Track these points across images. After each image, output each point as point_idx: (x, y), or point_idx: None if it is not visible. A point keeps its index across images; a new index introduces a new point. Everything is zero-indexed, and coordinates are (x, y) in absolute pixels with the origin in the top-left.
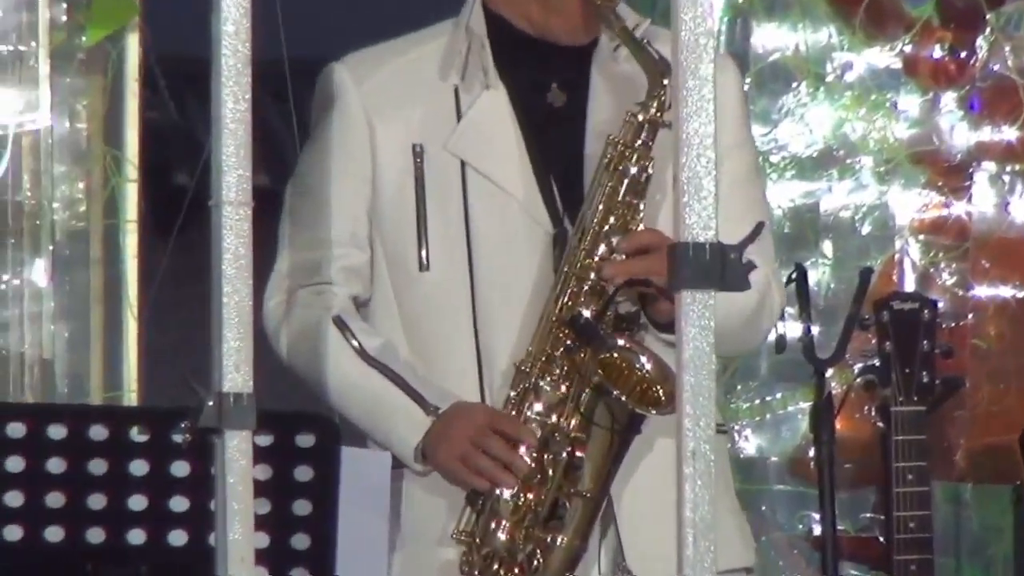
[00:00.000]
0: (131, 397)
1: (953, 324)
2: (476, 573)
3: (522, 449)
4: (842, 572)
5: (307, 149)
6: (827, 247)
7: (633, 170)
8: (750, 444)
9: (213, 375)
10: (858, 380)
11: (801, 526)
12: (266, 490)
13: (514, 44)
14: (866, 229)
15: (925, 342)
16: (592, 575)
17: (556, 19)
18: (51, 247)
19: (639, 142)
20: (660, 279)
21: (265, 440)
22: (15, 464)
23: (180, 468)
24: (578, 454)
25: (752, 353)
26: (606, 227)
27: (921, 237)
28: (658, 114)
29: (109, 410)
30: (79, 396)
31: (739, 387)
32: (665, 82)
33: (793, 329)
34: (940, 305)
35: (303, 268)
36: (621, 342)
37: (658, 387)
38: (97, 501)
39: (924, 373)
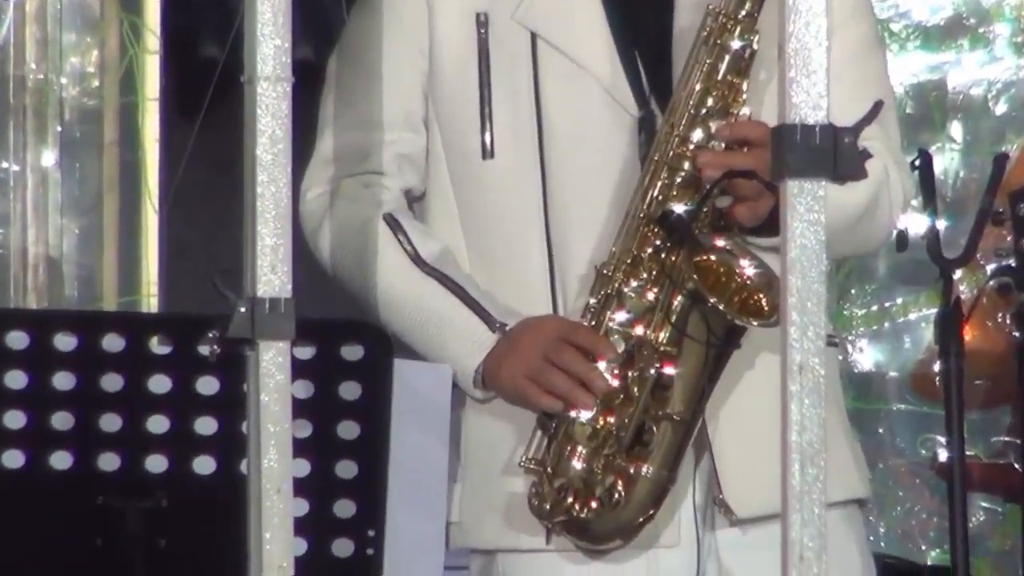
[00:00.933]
0: (150, 302)
1: None
2: (547, 507)
3: (602, 364)
4: (972, 503)
5: (355, 12)
6: (956, 130)
7: (736, 44)
8: (866, 357)
9: (245, 277)
10: (991, 283)
11: (924, 451)
12: (307, 410)
13: None
14: (1001, 109)
15: None
16: (683, 510)
17: None
18: (59, 128)
19: (743, 12)
20: (762, 160)
21: (306, 352)
22: (16, 380)
23: (207, 385)
24: (667, 371)
25: (869, 254)
26: (704, 110)
27: None
28: None
29: (125, 317)
30: (90, 301)
31: (853, 291)
32: None
33: (916, 224)
34: None
35: (349, 154)
36: (719, 242)
37: (761, 295)
38: (111, 422)
39: None
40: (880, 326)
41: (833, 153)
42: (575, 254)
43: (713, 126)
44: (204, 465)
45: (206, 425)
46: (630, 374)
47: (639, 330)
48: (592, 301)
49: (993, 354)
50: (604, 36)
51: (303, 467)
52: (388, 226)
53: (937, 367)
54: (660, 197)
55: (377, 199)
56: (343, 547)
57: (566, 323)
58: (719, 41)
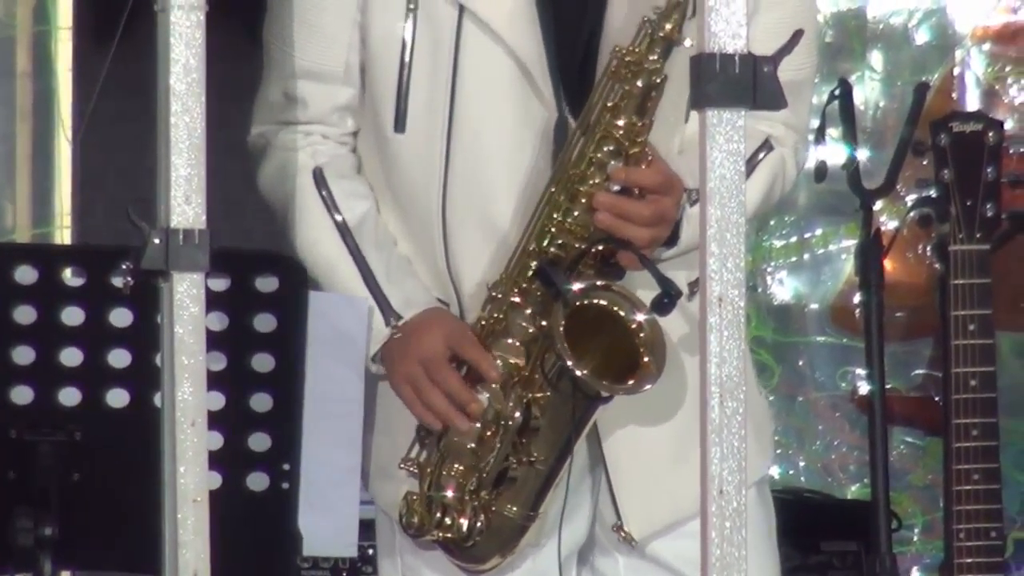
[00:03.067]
0: (63, 234)
1: (1022, 149)
2: (416, 521)
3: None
4: (892, 437)
5: None
6: (876, 59)
7: (640, 85)
8: (785, 289)
9: (159, 208)
10: (911, 214)
11: (844, 384)
12: (221, 342)
13: None
14: (922, 38)
15: (990, 169)
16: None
17: None
18: None
19: (652, 57)
20: (644, 237)
21: (220, 284)
22: None
23: (120, 316)
24: (535, 415)
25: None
26: (604, 149)
27: (985, 47)
28: (675, 29)
29: (37, 249)
30: (3, 233)
31: (772, 222)
32: None
33: (836, 154)
34: (1007, 126)
35: (289, 99)
36: (580, 286)
37: (642, 349)
38: (23, 355)
39: (988, 205)
40: (799, 258)
41: (752, 82)
42: (471, 244)
43: (610, 167)
44: (118, 398)
45: (120, 357)
46: (502, 406)
47: (519, 362)
48: (483, 316)
49: (913, 286)
50: (532, 20)
51: (217, 400)
52: (315, 182)
53: (857, 299)
54: (553, 231)
55: (312, 149)
56: (258, 480)
57: (456, 333)
58: (624, 84)
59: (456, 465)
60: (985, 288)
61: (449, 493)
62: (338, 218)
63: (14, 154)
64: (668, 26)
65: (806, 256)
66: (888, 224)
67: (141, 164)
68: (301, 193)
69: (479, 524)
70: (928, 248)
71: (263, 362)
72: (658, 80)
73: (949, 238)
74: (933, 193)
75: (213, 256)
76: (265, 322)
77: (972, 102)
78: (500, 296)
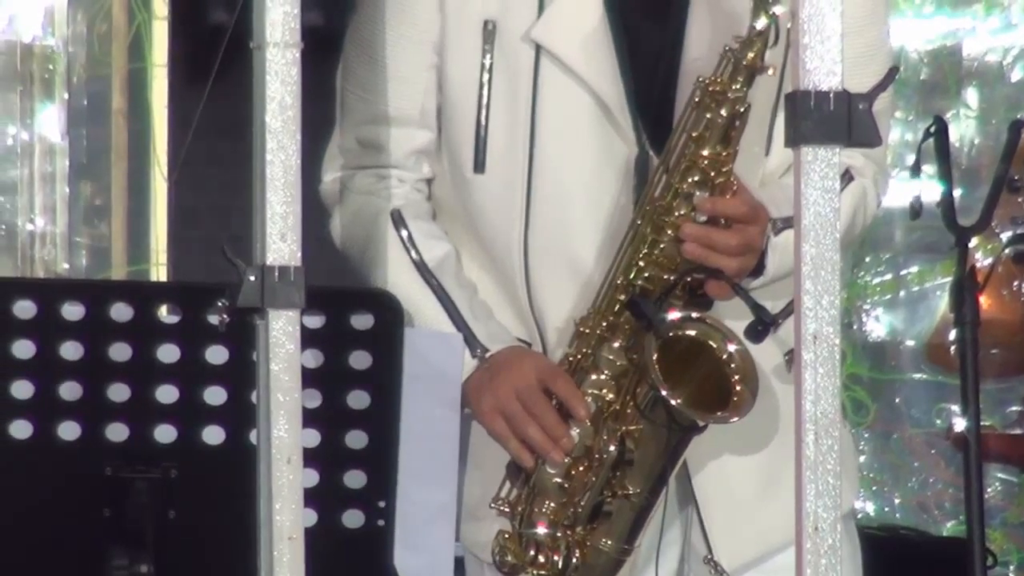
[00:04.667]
0: (159, 271)
1: None
2: (511, 560)
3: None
4: (987, 474)
5: (372, 3)
6: (971, 97)
7: (724, 115)
8: (881, 325)
9: (255, 245)
10: (1007, 251)
11: (940, 421)
12: (317, 379)
13: None
14: (1016, 75)
15: None
16: (668, 572)
17: None
18: (66, 95)
19: (735, 86)
20: (732, 266)
21: (315, 321)
22: (24, 349)
23: (216, 354)
24: (629, 447)
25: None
26: (689, 180)
27: None
28: (758, 58)
29: (133, 286)
30: (99, 270)
31: (868, 259)
32: (772, 12)
33: (931, 192)
34: None
35: (365, 145)
36: (677, 317)
37: (735, 378)
38: (119, 392)
39: None
40: (895, 295)
41: (847, 120)
42: (554, 284)
43: (696, 197)
44: (213, 435)
45: (215, 395)
46: (595, 440)
47: (610, 396)
48: (570, 352)
49: (1008, 323)
50: (610, 56)
51: (313, 437)
52: (393, 223)
53: (952, 336)
54: (641, 264)
55: (389, 192)
56: (353, 518)
57: (547, 367)
58: (708, 114)
59: (548, 502)
60: None
61: (542, 530)
62: (417, 257)
63: (110, 192)
64: (751, 54)
65: (902, 293)
66: (983, 261)
67: (236, 202)
68: (379, 234)
69: (574, 560)
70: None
71: (358, 399)
72: (742, 109)
73: None
74: None
75: (308, 293)
76: (360, 359)
77: None
78: (588, 331)
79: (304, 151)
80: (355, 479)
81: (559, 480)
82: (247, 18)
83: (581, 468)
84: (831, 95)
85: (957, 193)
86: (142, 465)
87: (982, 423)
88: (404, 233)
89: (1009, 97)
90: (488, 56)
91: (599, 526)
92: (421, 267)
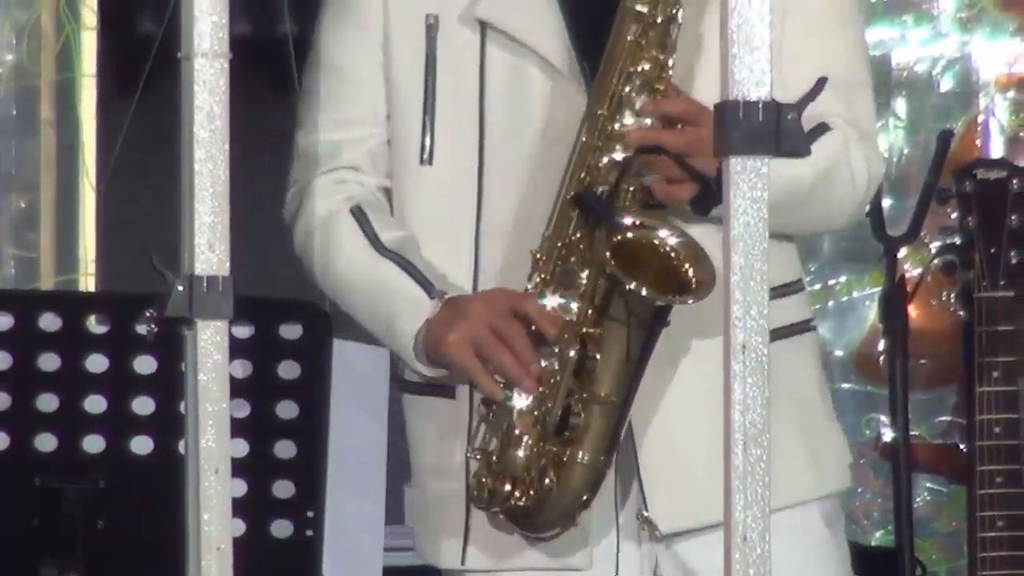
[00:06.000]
0: (88, 281)
1: None
2: (487, 496)
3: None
4: (916, 484)
5: (322, 10)
6: (900, 106)
7: (659, 18)
8: None
9: (183, 255)
10: (936, 261)
11: (868, 431)
12: (245, 390)
13: None
14: (946, 85)
15: (1014, 217)
16: (599, 528)
17: None
18: None
19: None
20: (679, 142)
21: (244, 331)
22: None
23: (144, 364)
24: (591, 353)
25: (833, 229)
26: (629, 87)
27: (1009, 94)
28: None
29: (62, 296)
30: (27, 280)
31: None
32: None
33: None
34: None
35: (323, 153)
36: (635, 219)
37: (687, 266)
38: (47, 402)
39: (1013, 253)
40: (823, 304)
41: (776, 130)
42: (505, 271)
43: (638, 103)
44: (142, 445)
45: (143, 405)
46: (553, 357)
47: (574, 306)
48: (529, 287)
49: (937, 333)
50: (556, 17)
51: (241, 447)
52: (353, 217)
53: (881, 346)
54: (587, 179)
55: (348, 194)
56: (282, 528)
57: (514, 294)
58: (641, 19)
59: (522, 435)
60: (1009, 335)
61: (519, 453)
62: (374, 237)
63: (38, 202)
64: None
65: (830, 303)
66: (912, 271)
67: (165, 212)
68: (340, 228)
69: (548, 481)
70: (952, 295)
71: (287, 409)
72: (675, 11)
73: (973, 285)
74: (957, 240)
75: (237, 303)
76: (289, 369)
77: (996, 149)
78: (544, 257)
79: (234, 161)
80: (284, 489)
81: (529, 413)
82: (175, 28)
83: (551, 381)
84: (760, 105)
85: (886, 203)
86: (71, 476)
87: (911, 433)
88: (364, 225)
89: (938, 107)
90: (432, 49)
91: (574, 440)
92: (378, 245)
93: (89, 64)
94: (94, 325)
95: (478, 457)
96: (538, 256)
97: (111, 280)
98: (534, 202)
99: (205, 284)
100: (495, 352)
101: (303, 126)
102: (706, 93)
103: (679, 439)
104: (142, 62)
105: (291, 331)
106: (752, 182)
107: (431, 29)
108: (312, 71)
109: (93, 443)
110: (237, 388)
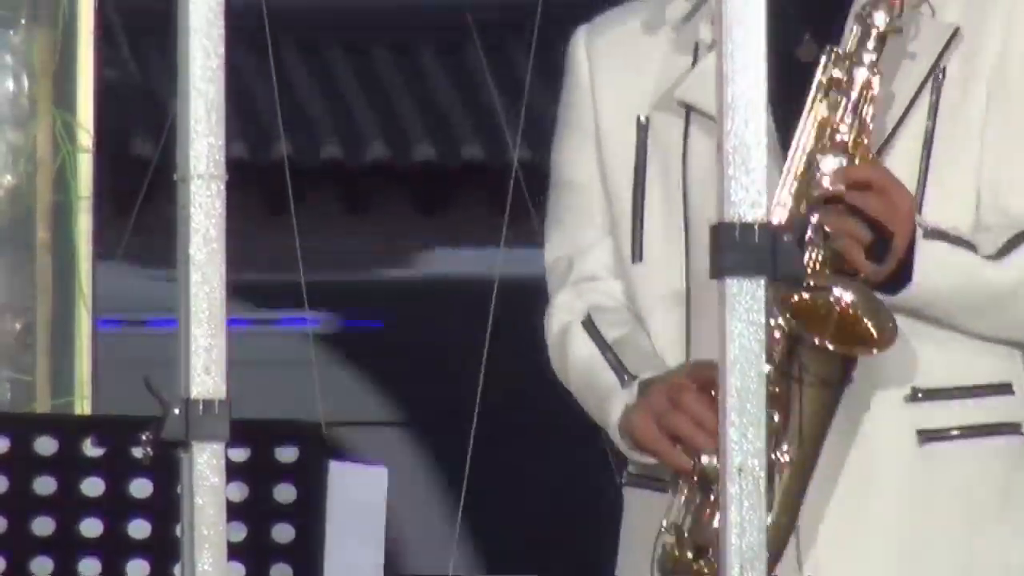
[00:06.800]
0: (84, 404)
1: None
2: (671, 567)
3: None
4: None
5: (556, 127)
6: None
7: (855, 84)
8: None
9: (180, 378)
10: None
11: None
12: (241, 512)
13: None
14: None
15: None
16: None
17: None
18: None
19: (865, 53)
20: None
21: (240, 454)
22: None
23: (140, 487)
24: (773, 414)
25: None
26: (821, 156)
27: None
28: (891, 21)
29: (57, 419)
30: (23, 404)
31: None
32: None
33: None
34: None
35: (561, 267)
36: (810, 281)
37: (866, 320)
38: (43, 526)
39: None
40: None
41: (772, 252)
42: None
43: (830, 166)
44: (138, 569)
45: (140, 528)
46: None
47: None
48: None
49: None
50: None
51: (238, 571)
52: (584, 328)
53: None
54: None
55: (585, 306)
56: None
57: (696, 364)
58: (839, 81)
59: (701, 499)
60: None
61: (705, 520)
62: (606, 339)
63: (34, 325)
64: (881, 15)
65: None
66: None
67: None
68: (571, 340)
69: None
70: None
71: (283, 532)
72: (871, 76)
73: None
74: None
75: (233, 426)
76: (285, 493)
77: None
78: None
79: (231, 282)
80: None
81: (710, 468)
82: (172, 150)
83: None
84: (755, 227)
85: None
86: None
87: None
88: (592, 331)
89: None
90: (643, 147)
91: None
92: (602, 345)
93: (85, 186)
94: (90, 448)
95: (671, 531)
96: None
97: (107, 404)
98: None
99: (201, 407)
100: (672, 419)
101: (546, 242)
102: (902, 154)
103: (856, 553)
104: (138, 184)
105: (287, 454)
106: (748, 304)
107: (642, 129)
108: (550, 187)
109: (89, 567)
110: (233, 511)
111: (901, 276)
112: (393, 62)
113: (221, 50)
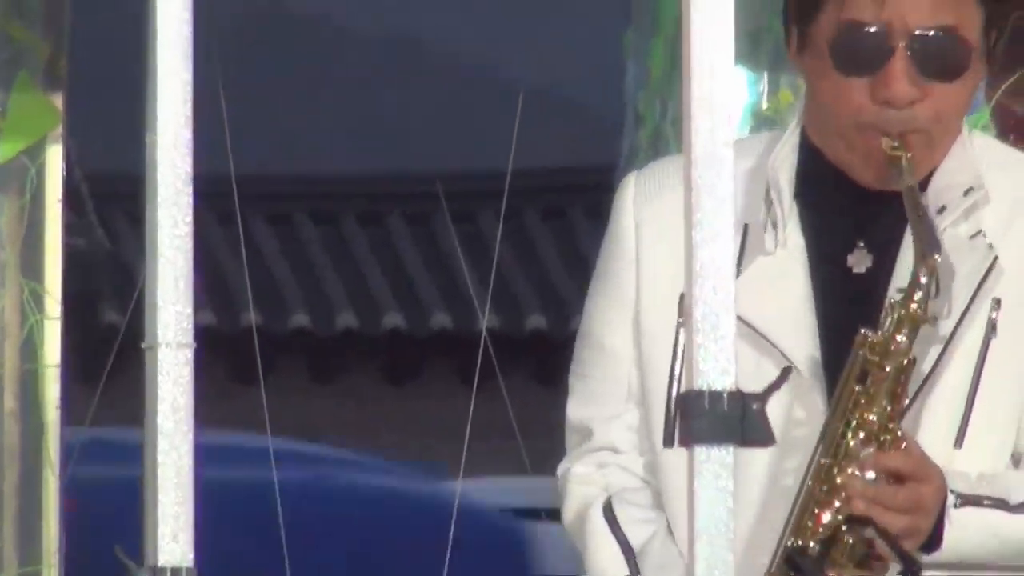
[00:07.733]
0: (51, 573)
1: None
2: None
3: None
4: None
5: (593, 277)
6: None
7: (888, 368)
8: None
9: (146, 547)
10: None
11: None
12: None
13: (822, 180)
14: None
15: None
16: None
17: (859, 160)
18: None
19: (898, 339)
20: (898, 524)
21: None
22: None
23: None
24: None
25: None
26: (854, 441)
27: None
28: (918, 308)
29: None
30: None
31: None
32: (932, 261)
33: None
34: None
35: (580, 426)
36: None
37: None
38: None
39: None
40: None
41: (741, 420)
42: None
43: (863, 454)
44: None
45: None
46: None
47: None
48: None
49: None
50: (811, 332)
51: None
52: (604, 518)
53: None
54: (809, 524)
55: (605, 483)
56: None
57: None
58: (873, 369)
59: None
60: None
61: None
62: (628, 543)
63: (1, 493)
64: (914, 305)
65: None
66: None
67: (130, 500)
68: (592, 527)
69: None
70: None
71: None
72: (907, 362)
73: None
74: None
75: None
76: None
77: None
78: None
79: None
80: None
81: None
82: (139, 318)
83: None
84: (724, 395)
85: None
86: None
87: None
88: (614, 525)
89: None
90: (682, 328)
91: None
92: (627, 551)
93: (53, 354)
94: None
95: None
96: None
97: (75, 571)
98: (765, 500)
99: (169, 575)
100: None
101: (570, 394)
102: (932, 431)
103: None
104: (106, 352)
105: None
106: (717, 472)
107: (684, 308)
108: (578, 341)
109: None
110: None
111: (931, 539)
112: (362, 231)
113: (189, 218)
